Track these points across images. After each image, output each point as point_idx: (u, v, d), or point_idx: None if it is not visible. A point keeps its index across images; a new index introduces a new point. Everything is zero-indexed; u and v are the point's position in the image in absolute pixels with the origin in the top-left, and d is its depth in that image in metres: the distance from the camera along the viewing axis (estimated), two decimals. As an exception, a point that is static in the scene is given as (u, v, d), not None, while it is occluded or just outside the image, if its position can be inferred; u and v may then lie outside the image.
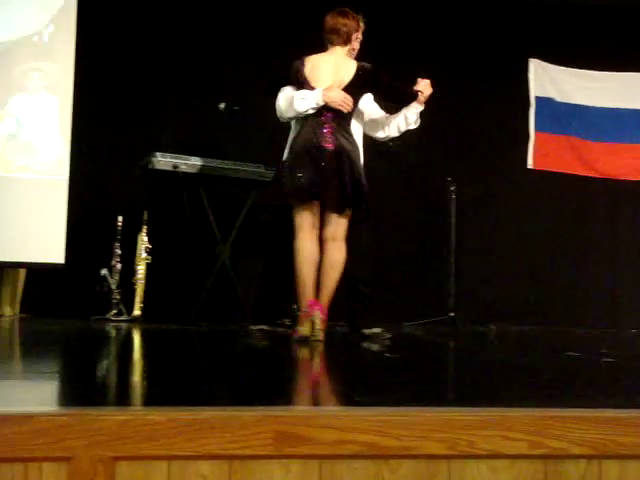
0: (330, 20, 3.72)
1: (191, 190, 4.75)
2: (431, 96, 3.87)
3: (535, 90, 6.02)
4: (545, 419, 1.54)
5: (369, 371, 2.53)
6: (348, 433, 1.43)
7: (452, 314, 5.04)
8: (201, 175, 4.73)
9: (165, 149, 4.81)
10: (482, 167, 5.81)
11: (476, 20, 5.98)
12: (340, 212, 3.56)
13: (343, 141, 3.59)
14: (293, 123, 3.77)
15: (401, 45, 5.79)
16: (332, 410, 1.49)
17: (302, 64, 3.70)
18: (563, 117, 6.11)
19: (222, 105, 4.74)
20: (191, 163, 4.69)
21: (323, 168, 3.51)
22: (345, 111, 3.59)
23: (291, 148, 3.65)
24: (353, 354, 3.31)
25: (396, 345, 3.74)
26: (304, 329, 3.39)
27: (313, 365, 2.78)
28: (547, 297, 5.83)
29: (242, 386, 1.97)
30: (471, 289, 5.49)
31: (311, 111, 3.57)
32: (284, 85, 3.74)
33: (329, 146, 3.55)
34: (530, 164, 5.90)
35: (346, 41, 3.73)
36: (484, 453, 1.50)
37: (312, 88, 3.60)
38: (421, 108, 3.86)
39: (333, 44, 3.72)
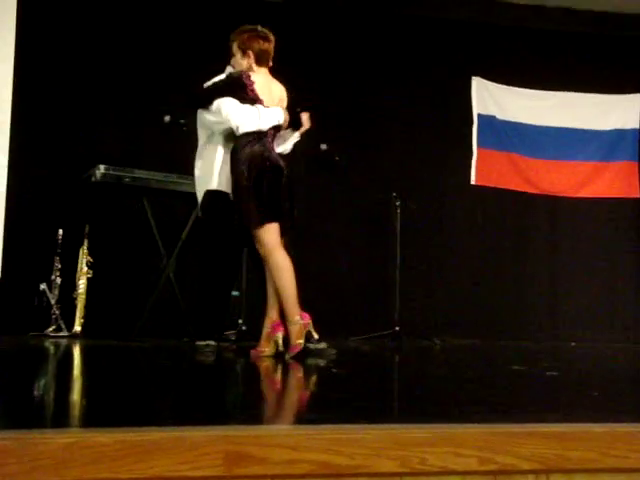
0: (258, 44, 3.77)
1: (135, 203, 4.68)
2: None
3: (478, 108, 6.15)
4: (495, 435, 1.54)
5: (318, 387, 2.51)
6: (300, 452, 1.41)
7: (397, 328, 5.07)
8: (145, 188, 4.66)
9: (109, 162, 4.72)
10: (427, 183, 5.90)
11: (420, 39, 6.10)
12: (292, 226, 3.68)
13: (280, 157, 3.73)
14: (222, 137, 3.83)
15: (347, 62, 5.86)
16: (284, 429, 1.46)
17: (249, 79, 3.71)
18: (505, 134, 6.25)
19: (167, 118, 4.67)
20: (135, 176, 4.62)
21: (282, 185, 3.59)
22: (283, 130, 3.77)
23: (247, 166, 3.58)
24: (301, 370, 3.28)
25: (343, 360, 3.74)
26: (301, 342, 3.41)
27: (262, 382, 2.75)
28: (490, 311, 5.93)
29: (190, 405, 1.93)
30: (416, 303, 5.55)
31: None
32: (221, 96, 3.74)
33: (281, 164, 3.64)
34: (473, 180, 6.01)
35: (269, 63, 3.84)
36: (436, 470, 1.50)
37: (264, 106, 3.67)
38: (298, 139, 3.99)
39: (261, 65, 3.80)
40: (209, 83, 3.85)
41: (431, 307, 5.72)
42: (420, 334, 5.35)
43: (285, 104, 3.83)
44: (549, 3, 6.24)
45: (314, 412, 1.77)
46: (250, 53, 3.77)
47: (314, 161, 5.15)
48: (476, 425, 1.57)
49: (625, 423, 1.64)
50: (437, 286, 5.83)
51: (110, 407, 1.82)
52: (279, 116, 3.70)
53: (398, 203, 5.28)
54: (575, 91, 6.37)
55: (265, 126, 3.64)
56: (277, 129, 3.73)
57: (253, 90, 3.70)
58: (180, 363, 3.55)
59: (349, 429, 1.52)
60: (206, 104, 3.80)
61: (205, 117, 3.86)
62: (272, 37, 3.82)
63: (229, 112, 3.69)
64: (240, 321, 4.44)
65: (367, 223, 5.74)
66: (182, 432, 1.40)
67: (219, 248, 3.89)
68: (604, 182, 6.39)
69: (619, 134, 6.44)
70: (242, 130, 3.66)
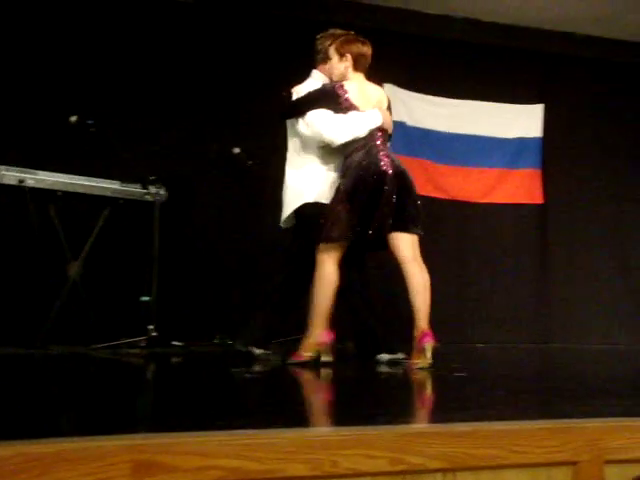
0: (357, 48, 3.76)
1: (39, 206, 4.50)
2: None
3: (389, 114, 6.24)
4: (405, 436, 1.57)
5: (230, 393, 2.48)
6: (211, 459, 1.39)
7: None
8: (50, 191, 4.49)
9: (10, 163, 4.53)
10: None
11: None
12: (413, 232, 3.61)
13: (397, 161, 3.66)
14: (316, 147, 3.75)
15: (261, 64, 5.85)
16: (193, 435, 1.44)
17: (342, 89, 3.70)
18: (415, 140, 6.37)
19: (73, 118, 4.52)
20: (39, 178, 4.44)
21: (385, 193, 3.47)
22: (390, 131, 3.75)
23: (351, 176, 3.52)
24: (211, 375, 3.24)
25: (254, 365, 3.72)
26: (308, 355, 3.42)
27: (169, 388, 2.69)
28: (398, 314, 6.01)
29: (96, 413, 1.87)
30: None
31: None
32: (313, 108, 3.67)
33: (389, 170, 3.53)
34: (384, 185, 6.09)
35: (366, 67, 3.81)
36: (347, 472, 1.51)
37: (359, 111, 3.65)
38: None
39: (357, 70, 3.76)
40: (302, 93, 3.79)
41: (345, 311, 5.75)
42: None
43: (385, 105, 3.79)
44: (457, 14, 6.42)
45: (224, 418, 1.75)
46: (348, 57, 3.74)
47: (226, 165, 5.12)
48: (386, 427, 1.60)
49: (528, 420, 1.70)
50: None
51: (10, 419, 1.74)
52: (376, 119, 3.64)
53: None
54: (481, 100, 6.57)
55: (362, 132, 3.59)
56: (383, 131, 3.68)
57: (347, 99, 3.67)
58: (87, 371, 3.44)
59: (260, 434, 1.51)
60: (298, 115, 3.73)
61: (298, 129, 3.78)
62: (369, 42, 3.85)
63: (321, 128, 3.64)
64: (151, 327, 4.34)
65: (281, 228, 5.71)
66: (87, 442, 1.35)
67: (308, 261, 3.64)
68: (509, 188, 6.61)
69: (523, 142, 6.69)
70: (337, 143, 3.63)
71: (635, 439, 1.68)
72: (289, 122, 3.88)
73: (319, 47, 3.94)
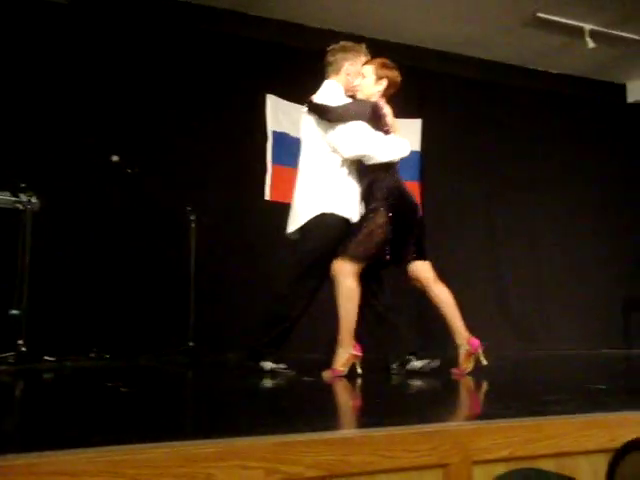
0: (394, 75, 3.83)
1: None
2: None
3: (272, 124, 6.27)
4: (281, 445, 1.57)
5: (102, 407, 2.40)
6: (80, 477, 1.34)
7: (192, 344, 5.00)
8: None
9: None
10: (222, 197, 5.90)
11: (219, 55, 6.13)
12: (428, 258, 3.79)
13: None
14: (340, 159, 3.66)
15: (140, 69, 5.74)
16: (61, 454, 1.38)
17: (383, 110, 3.73)
18: (298, 151, 6.42)
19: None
20: None
21: (419, 222, 3.75)
22: None
23: (395, 202, 3.59)
24: (84, 391, 3.12)
25: (132, 378, 3.62)
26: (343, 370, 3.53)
27: (38, 406, 2.57)
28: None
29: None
30: (210, 318, 5.50)
31: None
32: (353, 120, 3.62)
33: (416, 200, 3.82)
34: (267, 196, 6.11)
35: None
36: (224, 486, 1.49)
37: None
38: None
39: (385, 95, 3.83)
40: (331, 103, 3.68)
41: (226, 322, 5.70)
42: (215, 349, 5.33)
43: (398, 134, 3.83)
44: (337, 28, 6.55)
45: (95, 434, 1.69)
46: (385, 82, 3.78)
47: (104, 173, 4.97)
48: (263, 437, 1.59)
49: (400, 426, 1.74)
50: (232, 300, 5.82)
51: None
52: (407, 148, 3.72)
53: (193, 217, 5.23)
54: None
55: (397, 157, 3.64)
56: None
57: (386, 120, 3.69)
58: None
59: (134, 449, 1.47)
60: (335, 121, 3.63)
61: (331, 138, 3.66)
62: None
63: (364, 141, 3.59)
64: (20, 342, 4.13)
65: (161, 237, 5.60)
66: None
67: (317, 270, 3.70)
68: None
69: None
70: (375, 160, 3.60)
71: (499, 440, 1.76)
72: (312, 130, 3.78)
73: (331, 59, 3.93)
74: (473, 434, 1.74)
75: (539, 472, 1.47)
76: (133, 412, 2.26)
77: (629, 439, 1.63)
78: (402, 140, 3.73)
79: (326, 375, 3.52)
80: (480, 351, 3.64)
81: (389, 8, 6.19)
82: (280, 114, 6.35)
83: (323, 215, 3.68)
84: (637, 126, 7.96)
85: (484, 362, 3.63)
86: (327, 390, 3.12)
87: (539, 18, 6.34)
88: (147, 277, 5.47)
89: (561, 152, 7.47)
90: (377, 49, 6.65)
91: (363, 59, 3.87)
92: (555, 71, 7.42)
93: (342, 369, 3.52)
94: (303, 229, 3.77)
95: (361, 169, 3.73)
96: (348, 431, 1.67)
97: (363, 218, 3.65)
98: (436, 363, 3.76)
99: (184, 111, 5.89)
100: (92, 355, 4.72)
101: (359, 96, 3.81)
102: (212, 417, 2.13)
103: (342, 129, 3.62)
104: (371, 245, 3.54)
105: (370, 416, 2.14)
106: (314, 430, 1.69)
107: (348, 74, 3.84)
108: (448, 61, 7.00)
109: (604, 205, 7.61)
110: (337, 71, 3.86)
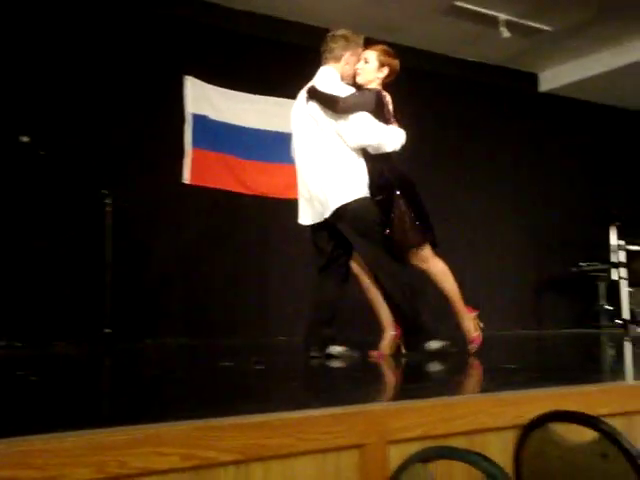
0: (395, 63, 3.81)
1: None
2: None
3: (191, 107, 6.16)
4: (196, 430, 1.56)
5: (8, 397, 2.32)
6: (-17, 470, 1.29)
7: (108, 330, 4.89)
8: None
9: None
10: (139, 180, 5.78)
11: (132, 35, 5.96)
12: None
13: None
14: (352, 155, 3.66)
15: (54, 47, 5.53)
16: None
17: (385, 99, 3.68)
18: (218, 135, 6.35)
19: None
20: None
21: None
22: None
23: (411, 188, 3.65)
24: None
25: (43, 366, 3.52)
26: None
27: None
28: (203, 310, 5.98)
29: None
30: (127, 304, 5.40)
31: None
32: (359, 110, 3.61)
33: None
34: (186, 179, 6.01)
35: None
36: (135, 472, 1.46)
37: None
38: None
39: (384, 83, 3.80)
40: (334, 92, 3.64)
41: (143, 308, 5.61)
42: (132, 335, 5.23)
43: None
44: (261, 11, 6.49)
45: (2, 424, 1.63)
46: (387, 69, 3.76)
47: (13, 154, 4.78)
48: (178, 423, 1.57)
49: (316, 408, 1.75)
50: (149, 286, 5.73)
51: None
52: (404, 137, 3.69)
53: (108, 201, 5.09)
54: (285, 97, 6.67)
55: (398, 147, 3.63)
56: None
57: (389, 110, 3.65)
58: None
59: (42, 439, 1.42)
60: (342, 113, 3.60)
61: (340, 127, 3.63)
62: None
63: (373, 131, 3.58)
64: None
65: (75, 221, 5.44)
66: None
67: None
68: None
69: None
70: (383, 149, 3.59)
71: (414, 420, 1.79)
72: (321, 118, 3.71)
73: (332, 46, 3.86)
74: (388, 415, 1.76)
75: (449, 449, 1.51)
76: (42, 401, 2.19)
77: (536, 415, 1.69)
78: (400, 130, 3.75)
79: (474, 347, 3.68)
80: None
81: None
82: (200, 96, 6.25)
83: (360, 199, 3.66)
84: (548, 114, 8.24)
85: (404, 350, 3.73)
86: (245, 375, 3.11)
87: (456, 6, 6.46)
88: (61, 263, 5.31)
89: (479, 139, 7.65)
90: (295, 32, 6.69)
91: (360, 51, 3.87)
92: (471, 59, 7.59)
93: (478, 333, 3.73)
94: (346, 218, 3.68)
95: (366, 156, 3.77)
96: (264, 415, 1.66)
97: (383, 209, 3.67)
98: (356, 353, 3.76)
99: (100, 91, 5.73)
100: (2, 344, 4.56)
101: (358, 80, 3.81)
102: (125, 404, 2.08)
103: (352, 119, 3.63)
104: (413, 230, 3.61)
105: (286, 399, 2.15)
106: (230, 415, 1.67)
107: (347, 63, 3.84)
108: (366, 46, 7.03)
109: (519, 190, 7.86)
110: (337, 59, 3.84)
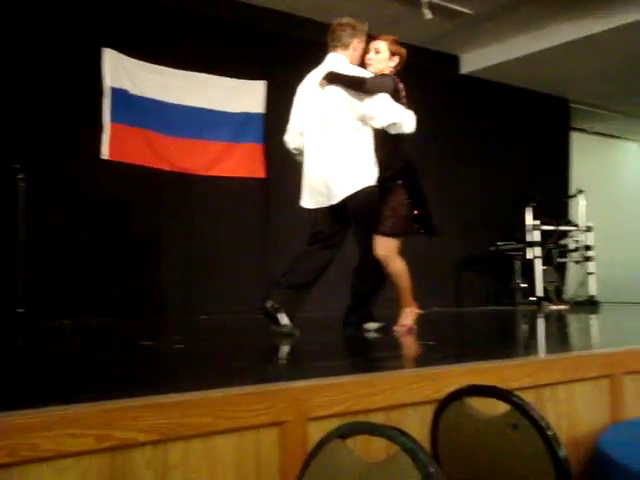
0: (404, 54, 3.91)
1: None
2: None
3: (110, 81, 5.97)
4: (112, 411, 1.53)
5: None
6: None
7: (21, 310, 4.73)
8: None
9: None
10: (55, 155, 5.59)
11: (46, 4, 5.72)
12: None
13: None
14: (369, 131, 3.78)
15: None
16: None
17: (400, 85, 3.73)
18: (138, 110, 6.18)
19: None
20: None
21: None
22: None
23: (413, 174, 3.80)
24: None
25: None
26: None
27: None
28: (123, 288, 5.87)
29: None
30: (43, 284, 5.23)
31: None
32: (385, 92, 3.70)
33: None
34: (105, 154, 5.84)
35: None
36: (49, 455, 1.43)
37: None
38: None
39: (393, 71, 3.90)
40: (362, 74, 3.76)
41: (60, 287, 5.45)
42: (49, 315, 5.08)
43: None
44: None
45: None
46: (397, 58, 3.87)
47: None
48: (93, 404, 1.54)
49: (237, 387, 1.74)
50: (63, 264, 5.56)
51: None
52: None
53: (21, 176, 4.89)
54: (208, 73, 6.57)
55: (413, 129, 3.72)
56: None
57: (403, 95, 3.72)
58: None
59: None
60: (370, 92, 3.68)
61: (365, 107, 3.70)
62: None
63: (397, 110, 3.66)
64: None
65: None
66: None
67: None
68: (233, 162, 6.72)
69: (246, 117, 6.83)
70: (403, 130, 3.67)
71: (334, 396, 1.81)
72: (339, 103, 3.79)
73: (341, 34, 3.96)
74: (308, 392, 1.77)
75: (367, 424, 1.53)
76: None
77: (452, 390, 1.73)
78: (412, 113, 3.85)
79: (400, 330, 3.79)
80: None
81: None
82: (120, 70, 6.06)
83: (369, 187, 3.79)
84: (469, 97, 8.40)
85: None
86: (163, 354, 3.07)
87: (381, -14, 6.48)
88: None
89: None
90: (225, 8, 6.57)
91: (364, 38, 4.00)
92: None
93: (413, 324, 3.86)
94: (352, 202, 3.81)
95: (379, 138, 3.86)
96: (183, 394, 1.65)
97: (383, 192, 3.79)
98: (297, 331, 3.76)
99: (12, 62, 5.48)
100: None
101: (371, 70, 3.90)
102: (38, 386, 2.02)
103: (378, 99, 3.71)
104: (399, 221, 3.73)
105: (206, 378, 2.13)
106: (148, 394, 1.65)
107: (355, 50, 3.96)
108: (293, 24, 6.99)
109: (440, 172, 7.99)
110: (346, 46, 3.96)
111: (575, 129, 10.18)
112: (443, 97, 8.07)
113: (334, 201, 3.82)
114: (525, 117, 9.05)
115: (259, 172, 6.81)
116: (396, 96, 3.77)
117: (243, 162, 6.77)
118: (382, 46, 3.91)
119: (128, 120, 6.09)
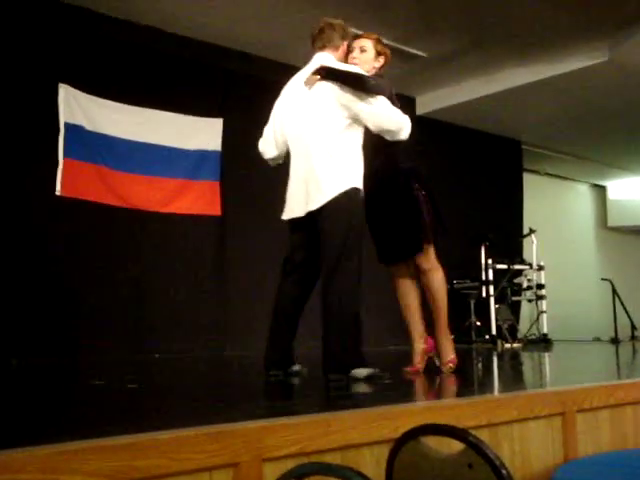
0: (389, 54, 3.74)
1: None
2: None
3: (65, 116, 5.94)
4: (60, 454, 1.47)
5: None
6: None
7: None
8: None
9: None
10: (9, 191, 5.49)
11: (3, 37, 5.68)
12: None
13: None
14: (359, 132, 3.51)
15: None
16: None
17: (392, 89, 3.58)
18: (93, 146, 6.14)
19: None
20: None
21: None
22: None
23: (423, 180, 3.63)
24: None
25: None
26: None
27: None
28: (73, 328, 5.73)
29: None
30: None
31: None
32: (383, 94, 3.49)
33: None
34: (59, 191, 5.77)
35: None
36: (-10, 501, 1.37)
37: None
38: None
39: (377, 72, 3.70)
40: (360, 72, 3.50)
41: (8, 327, 5.31)
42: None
43: None
44: (142, 21, 6.37)
45: None
46: (383, 59, 3.69)
47: None
48: (38, 447, 1.48)
49: (190, 428, 1.70)
50: (12, 304, 5.42)
51: None
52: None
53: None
54: (165, 110, 6.58)
55: (408, 136, 3.54)
56: None
57: (396, 100, 3.53)
58: None
59: None
60: (370, 92, 3.42)
61: (362, 108, 3.42)
62: None
63: (398, 115, 3.48)
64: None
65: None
66: None
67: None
68: (189, 199, 6.70)
69: (203, 155, 6.83)
70: (399, 137, 3.51)
71: (289, 436, 1.78)
72: (327, 103, 3.45)
73: (332, 34, 3.68)
74: (263, 432, 1.74)
75: (323, 465, 1.51)
76: None
77: (408, 429, 1.72)
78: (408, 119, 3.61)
79: (449, 368, 3.66)
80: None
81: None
82: (75, 106, 6.03)
83: (351, 190, 3.42)
84: (425, 137, 8.53)
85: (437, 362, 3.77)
86: (114, 394, 3.00)
87: (338, 28, 6.59)
88: None
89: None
90: (183, 46, 6.60)
91: (350, 42, 3.76)
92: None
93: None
94: (327, 210, 3.40)
95: (374, 145, 3.57)
96: (134, 435, 1.60)
97: (400, 201, 3.57)
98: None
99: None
100: None
101: (362, 70, 3.61)
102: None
103: (376, 102, 3.44)
104: (433, 227, 3.58)
105: (159, 418, 2.08)
106: (98, 436, 1.60)
107: (344, 51, 3.72)
108: (250, 62, 7.06)
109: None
110: (337, 48, 3.70)
111: (527, 170, 10.44)
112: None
113: (313, 206, 3.43)
114: (479, 158, 9.24)
115: (215, 210, 6.80)
116: (391, 100, 3.52)
117: (199, 200, 6.76)
118: (368, 44, 3.66)
119: (82, 156, 6.04)
